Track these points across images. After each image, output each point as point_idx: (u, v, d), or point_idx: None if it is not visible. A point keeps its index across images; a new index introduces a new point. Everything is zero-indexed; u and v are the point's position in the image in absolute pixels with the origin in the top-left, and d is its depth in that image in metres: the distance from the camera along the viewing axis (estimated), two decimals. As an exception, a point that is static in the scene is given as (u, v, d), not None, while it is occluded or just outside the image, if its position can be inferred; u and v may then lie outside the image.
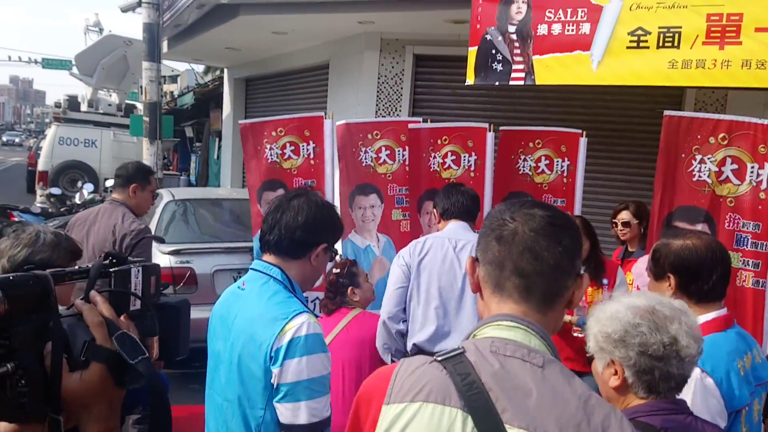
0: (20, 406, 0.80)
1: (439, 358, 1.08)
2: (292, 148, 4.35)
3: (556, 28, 4.50)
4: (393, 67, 7.31)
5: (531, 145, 4.47)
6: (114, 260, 0.99)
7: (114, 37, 14.97)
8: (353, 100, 7.58)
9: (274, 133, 4.33)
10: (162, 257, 5.19)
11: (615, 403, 1.55)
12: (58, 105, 16.88)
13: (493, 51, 4.81)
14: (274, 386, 1.75)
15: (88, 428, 0.87)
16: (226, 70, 12.15)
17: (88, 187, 10.55)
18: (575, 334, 3.35)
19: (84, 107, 14.81)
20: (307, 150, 4.35)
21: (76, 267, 0.97)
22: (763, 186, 3.30)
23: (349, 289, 2.91)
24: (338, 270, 2.96)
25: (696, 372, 1.76)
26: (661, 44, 4.13)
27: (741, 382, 1.83)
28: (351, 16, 6.61)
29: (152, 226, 5.63)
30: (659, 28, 4.13)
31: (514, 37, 4.69)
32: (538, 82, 4.66)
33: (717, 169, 3.40)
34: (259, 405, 1.78)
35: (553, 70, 4.55)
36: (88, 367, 0.85)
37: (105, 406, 0.88)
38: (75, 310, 0.90)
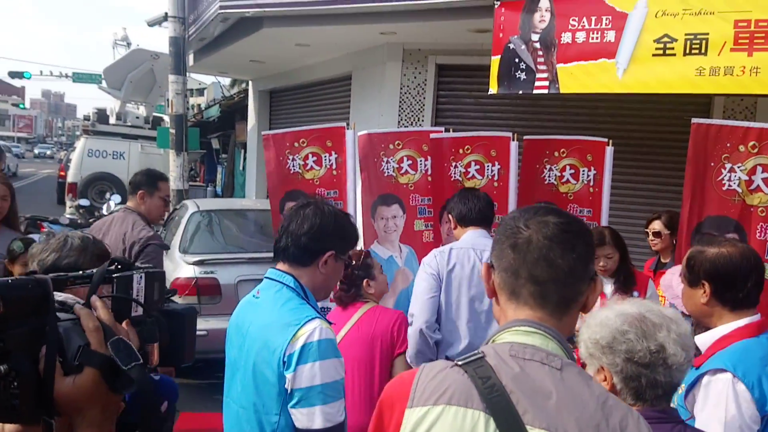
0: (12, 408, 0.81)
1: (460, 363, 1.11)
2: (315, 158, 4.36)
3: (581, 36, 4.46)
4: (415, 78, 7.31)
5: (556, 154, 4.41)
6: (119, 266, 1.01)
7: (141, 51, 15.24)
8: (376, 110, 7.59)
9: (296, 144, 4.34)
10: (186, 267, 5.24)
11: None
12: (87, 118, 17.25)
13: (517, 60, 4.78)
14: (288, 392, 1.77)
15: None
16: (250, 83, 12.29)
17: (116, 198, 10.68)
18: None
19: (112, 120, 15.12)
20: (330, 160, 4.36)
21: (80, 272, 0.99)
22: (796, 195, 3.22)
23: (365, 281, 2.85)
24: (354, 261, 2.92)
25: (727, 377, 1.79)
26: (687, 51, 4.07)
27: None
28: (373, 27, 6.63)
29: (177, 237, 5.69)
30: (686, 35, 4.07)
31: (537, 45, 4.66)
32: (562, 91, 4.62)
33: (747, 178, 3.32)
34: (273, 411, 1.80)
35: (577, 78, 4.50)
36: (82, 371, 0.86)
37: (98, 411, 0.88)
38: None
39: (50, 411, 0.85)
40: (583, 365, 1.65)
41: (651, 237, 4.18)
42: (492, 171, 4.24)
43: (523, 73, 4.75)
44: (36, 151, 57.56)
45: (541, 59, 4.66)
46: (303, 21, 6.86)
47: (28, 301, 0.82)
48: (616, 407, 1.06)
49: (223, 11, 7.25)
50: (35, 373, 0.82)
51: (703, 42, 4.01)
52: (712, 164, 3.39)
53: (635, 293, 3.40)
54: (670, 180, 6.07)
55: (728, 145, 3.35)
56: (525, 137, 4.55)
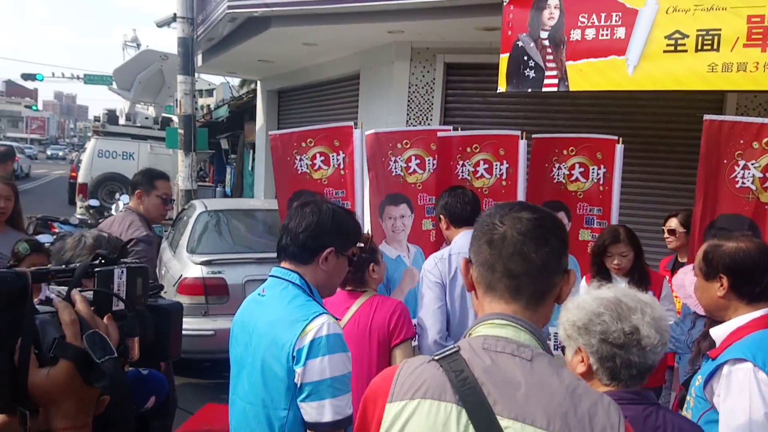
0: None
1: (437, 357, 1.15)
2: (323, 158, 4.33)
3: (590, 33, 4.41)
4: (423, 76, 7.28)
5: (564, 152, 4.35)
6: (103, 261, 1.02)
7: (150, 52, 15.32)
8: (384, 110, 7.57)
9: (303, 144, 4.32)
10: (194, 267, 5.24)
11: None
12: (97, 119, 17.35)
13: (525, 57, 4.73)
14: (298, 386, 1.80)
15: (56, 424, 0.88)
16: (259, 83, 12.31)
17: (125, 199, 10.74)
18: None
19: (122, 121, 15.21)
20: (337, 160, 4.34)
21: (62, 266, 1.01)
22: (812, 192, 3.15)
23: (371, 265, 2.79)
24: (361, 245, 2.86)
25: (748, 366, 1.81)
26: (699, 47, 4.01)
27: None
28: (381, 26, 6.61)
29: (185, 237, 5.69)
30: (697, 31, 4.00)
31: (546, 43, 4.61)
32: (571, 89, 4.56)
33: (761, 175, 3.26)
34: (282, 406, 1.82)
35: (587, 75, 4.45)
36: (56, 363, 0.86)
37: (73, 403, 0.89)
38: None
39: (24, 402, 0.86)
40: (563, 348, 1.72)
41: (666, 234, 4.16)
42: (500, 170, 4.20)
43: (532, 71, 4.70)
44: (49, 152, 58.13)
45: (550, 57, 4.61)
46: (311, 20, 6.84)
47: (5, 294, 0.83)
48: (585, 395, 1.09)
49: (231, 11, 7.26)
50: (11, 365, 0.83)
51: (716, 38, 3.95)
52: (725, 161, 3.34)
53: (649, 292, 3.35)
54: (683, 178, 6.00)
55: (741, 142, 3.30)
56: (534, 136, 4.50)
